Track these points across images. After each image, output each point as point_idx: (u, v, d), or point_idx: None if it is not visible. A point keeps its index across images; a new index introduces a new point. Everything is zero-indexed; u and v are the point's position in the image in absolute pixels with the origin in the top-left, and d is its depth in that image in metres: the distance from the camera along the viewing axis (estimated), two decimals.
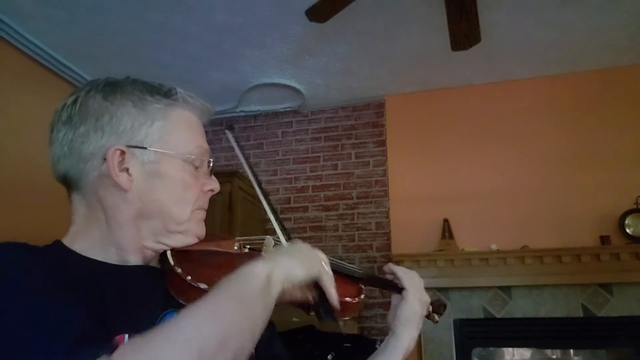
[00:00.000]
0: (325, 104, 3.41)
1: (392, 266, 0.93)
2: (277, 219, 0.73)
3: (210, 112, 0.80)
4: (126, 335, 0.59)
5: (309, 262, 0.68)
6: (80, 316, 0.52)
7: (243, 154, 0.78)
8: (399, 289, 0.91)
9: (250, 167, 0.77)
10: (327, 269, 0.71)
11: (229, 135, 0.81)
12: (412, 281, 0.90)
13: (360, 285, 0.88)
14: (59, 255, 0.66)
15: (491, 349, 2.94)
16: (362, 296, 0.85)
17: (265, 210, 0.76)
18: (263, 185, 3.46)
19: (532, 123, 3.01)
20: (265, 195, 0.75)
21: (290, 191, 3.35)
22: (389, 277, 0.94)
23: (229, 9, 2.40)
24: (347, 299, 0.81)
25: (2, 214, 2.31)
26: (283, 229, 0.76)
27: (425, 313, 0.91)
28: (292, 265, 0.64)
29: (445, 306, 0.98)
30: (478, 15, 2.05)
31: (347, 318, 0.83)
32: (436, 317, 0.95)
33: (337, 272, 0.88)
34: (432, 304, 0.94)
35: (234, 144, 0.78)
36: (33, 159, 2.41)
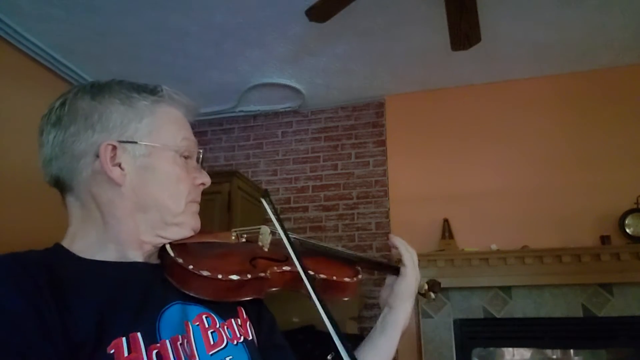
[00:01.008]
0: (325, 104, 3.40)
1: (395, 240, 0.95)
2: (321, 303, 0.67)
3: (196, 110, 0.81)
4: (123, 339, 0.59)
5: None
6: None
7: (279, 221, 0.78)
8: (395, 269, 0.94)
9: (288, 238, 0.76)
10: None
11: (264, 202, 0.82)
12: (412, 259, 0.93)
13: (356, 267, 0.92)
14: (56, 258, 0.65)
15: (491, 349, 2.94)
16: (360, 276, 0.89)
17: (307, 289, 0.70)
18: (264, 186, 3.43)
19: (532, 123, 3.01)
20: (306, 273, 0.71)
21: (290, 191, 3.35)
22: (393, 251, 0.97)
23: (228, 9, 2.40)
24: (346, 279, 0.86)
25: (1, 213, 2.30)
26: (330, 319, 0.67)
27: (417, 290, 0.95)
28: None
29: (440, 284, 1.02)
30: (478, 15, 2.04)
31: (346, 298, 0.86)
32: (432, 295, 0.99)
33: (334, 256, 0.92)
34: (427, 282, 0.99)
35: (269, 211, 0.79)
36: (32, 159, 2.40)
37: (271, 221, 0.78)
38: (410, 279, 0.91)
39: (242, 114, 3.52)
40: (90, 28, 2.52)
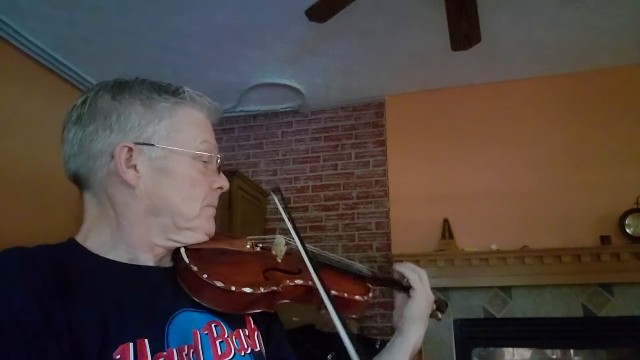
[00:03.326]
0: (325, 104, 3.41)
1: (398, 266, 0.93)
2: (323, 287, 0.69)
3: (219, 111, 0.80)
4: (130, 344, 0.58)
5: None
6: None
7: (289, 217, 0.79)
8: (405, 288, 0.91)
9: (298, 234, 0.76)
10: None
11: (274, 197, 0.84)
12: (420, 280, 0.90)
13: (367, 284, 0.90)
14: (70, 253, 0.66)
15: (491, 349, 2.94)
16: (370, 294, 0.87)
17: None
18: (264, 186, 3.42)
19: (532, 123, 3.01)
20: (316, 270, 0.71)
21: (290, 191, 3.35)
22: (397, 277, 0.94)
23: (229, 9, 2.40)
24: (357, 297, 0.83)
25: (1, 213, 2.31)
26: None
27: (430, 311, 0.92)
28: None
29: (447, 304, 0.99)
30: (478, 15, 2.05)
31: (355, 316, 0.84)
32: (439, 314, 0.96)
33: (346, 272, 0.89)
34: (435, 302, 0.94)
35: (280, 207, 0.80)
36: (33, 159, 2.41)
37: (284, 222, 0.77)
38: (419, 300, 0.88)
39: (242, 114, 3.53)
40: (91, 28, 2.52)
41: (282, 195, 0.84)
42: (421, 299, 0.88)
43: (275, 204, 0.82)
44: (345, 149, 3.34)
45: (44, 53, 2.67)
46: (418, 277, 0.90)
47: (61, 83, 2.83)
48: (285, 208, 0.80)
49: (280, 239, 0.82)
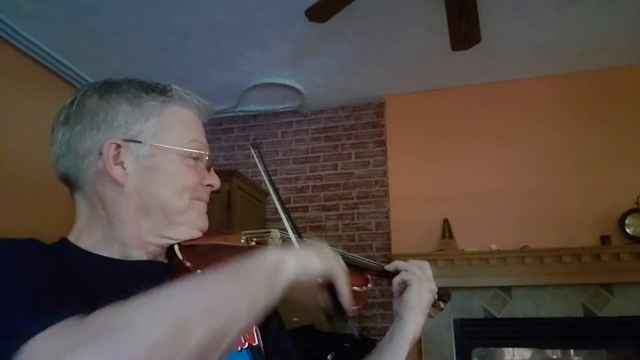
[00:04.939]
0: (325, 104, 3.40)
1: (394, 263, 0.92)
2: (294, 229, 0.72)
3: (209, 110, 0.79)
4: None
5: (325, 256, 0.64)
6: (65, 296, 0.51)
7: (266, 170, 0.81)
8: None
9: (273, 184, 0.79)
10: (343, 267, 0.69)
11: (253, 151, 0.84)
12: (417, 269, 0.90)
13: (366, 275, 0.89)
14: (64, 251, 0.66)
15: (491, 349, 2.94)
16: (370, 285, 0.86)
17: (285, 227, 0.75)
18: (263, 186, 3.40)
19: (532, 123, 3.01)
20: (288, 215, 0.74)
21: (290, 191, 3.35)
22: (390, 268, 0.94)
23: (228, 9, 2.40)
24: (355, 287, 0.82)
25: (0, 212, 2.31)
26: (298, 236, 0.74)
27: (432, 301, 0.91)
28: (307, 256, 0.61)
29: (450, 294, 0.98)
30: (478, 15, 2.04)
31: (356, 307, 0.84)
32: (441, 304, 0.95)
33: (345, 263, 0.89)
34: (437, 291, 0.94)
35: (258, 161, 0.81)
36: (31, 158, 2.40)
37: (283, 223, 0.78)
38: (417, 287, 0.87)
39: (241, 113, 3.52)
40: (90, 28, 2.52)
41: (259, 151, 0.84)
42: (418, 286, 0.88)
43: (254, 159, 0.83)
44: (345, 149, 3.33)
45: (43, 52, 2.67)
46: (414, 267, 0.90)
47: (60, 82, 2.83)
48: (263, 164, 0.81)
49: (275, 233, 0.82)
